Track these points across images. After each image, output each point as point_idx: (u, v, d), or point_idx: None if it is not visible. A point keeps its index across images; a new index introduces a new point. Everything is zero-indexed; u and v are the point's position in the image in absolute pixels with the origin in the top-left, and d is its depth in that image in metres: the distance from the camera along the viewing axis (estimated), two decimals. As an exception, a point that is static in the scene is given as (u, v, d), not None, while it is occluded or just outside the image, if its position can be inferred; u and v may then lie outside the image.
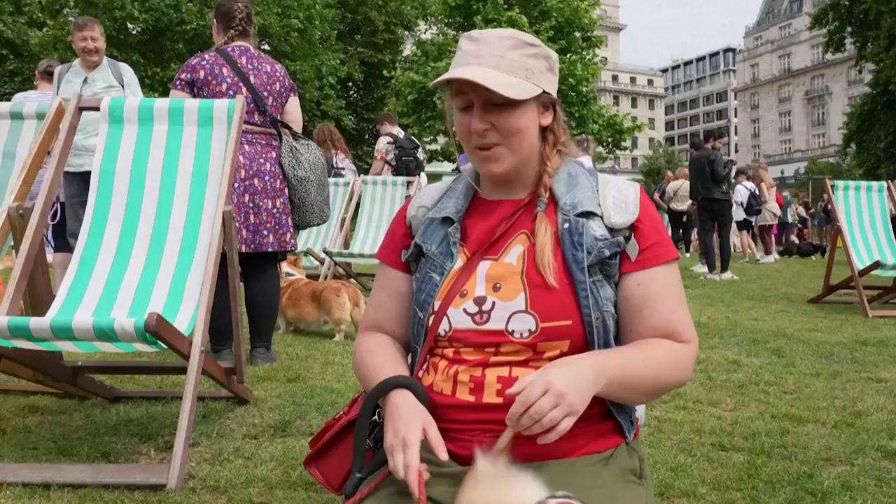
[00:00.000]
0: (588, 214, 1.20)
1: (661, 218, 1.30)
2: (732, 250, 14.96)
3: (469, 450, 1.13)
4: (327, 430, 1.35)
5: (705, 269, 8.85)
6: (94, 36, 4.73)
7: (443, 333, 1.20)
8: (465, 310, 1.18)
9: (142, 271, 2.44)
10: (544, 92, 1.22)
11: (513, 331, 1.15)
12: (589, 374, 1.07)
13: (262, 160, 3.43)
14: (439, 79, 1.20)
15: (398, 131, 7.63)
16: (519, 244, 1.21)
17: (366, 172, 7.57)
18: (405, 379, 1.18)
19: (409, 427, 1.09)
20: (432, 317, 1.21)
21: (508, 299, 1.16)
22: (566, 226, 1.19)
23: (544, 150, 1.26)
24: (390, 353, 1.28)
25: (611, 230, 1.20)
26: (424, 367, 1.24)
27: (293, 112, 3.65)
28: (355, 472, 1.17)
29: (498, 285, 1.18)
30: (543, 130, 1.26)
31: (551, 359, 1.15)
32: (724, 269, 8.68)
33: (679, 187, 12.96)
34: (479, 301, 1.18)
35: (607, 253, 1.18)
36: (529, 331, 1.14)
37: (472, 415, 1.15)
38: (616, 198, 1.23)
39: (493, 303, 1.17)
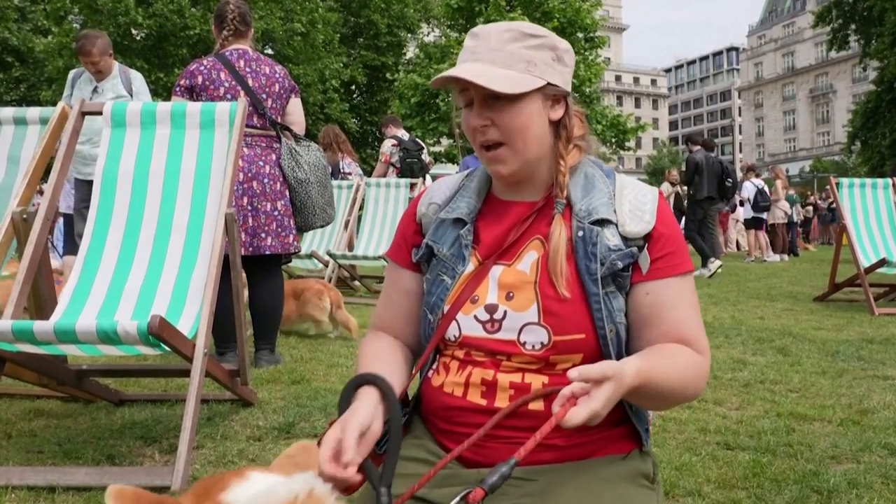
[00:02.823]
0: (603, 222, 1.15)
1: (678, 226, 1.26)
2: (737, 249, 15.03)
3: (478, 454, 1.11)
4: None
5: (708, 270, 8.85)
6: (93, 60, 4.75)
7: (452, 338, 1.17)
8: (475, 317, 1.15)
9: (145, 274, 2.45)
10: (549, 84, 1.16)
11: (524, 342, 1.12)
12: (625, 391, 0.99)
13: (261, 163, 3.42)
14: (434, 78, 1.17)
15: (403, 134, 7.63)
16: (533, 251, 1.17)
17: (370, 175, 7.58)
18: (371, 376, 1.13)
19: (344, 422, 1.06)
20: (441, 320, 1.18)
21: (521, 310, 1.12)
22: (580, 234, 1.15)
23: (558, 147, 1.20)
24: (383, 355, 1.23)
25: (625, 239, 1.15)
26: (434, 367, 1.21)
27: (294, 113, 3.63)
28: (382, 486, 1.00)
29: (511, 294, 1.14)
30: (556, 126, 1.20)
31: (564, 370, 1.10)
32: (704, 263, 9.01)
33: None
34: (491, 309, 1.14)
35: (620, 265, 1.13)
36: (542, 343, 1.11)
37: (483, 418, 1.10)
38: (633, 204, 1.18)
39: (505, 312, 1.13)
